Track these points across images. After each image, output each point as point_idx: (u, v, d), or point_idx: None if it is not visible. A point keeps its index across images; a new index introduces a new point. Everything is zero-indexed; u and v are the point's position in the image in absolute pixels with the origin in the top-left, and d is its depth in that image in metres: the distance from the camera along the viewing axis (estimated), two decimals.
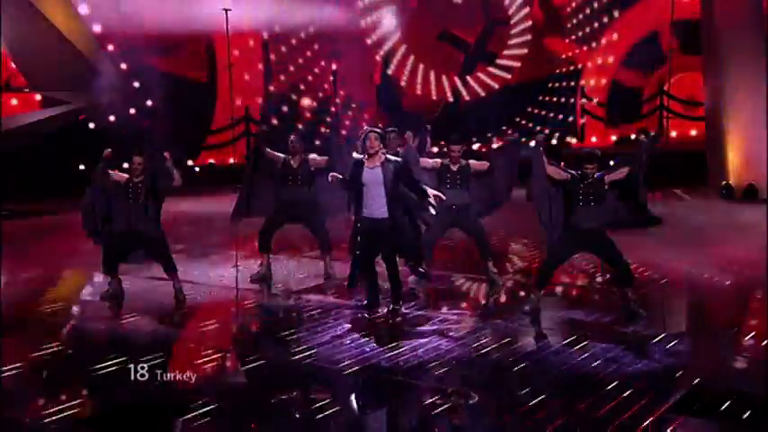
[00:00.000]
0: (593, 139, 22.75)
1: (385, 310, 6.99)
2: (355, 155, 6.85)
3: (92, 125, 18.08)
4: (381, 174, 6.63)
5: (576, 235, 6.68)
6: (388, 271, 7.01)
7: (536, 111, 24.02)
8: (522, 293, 7.79)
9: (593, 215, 6.59)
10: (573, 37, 24.08)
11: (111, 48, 18.22)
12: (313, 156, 8.44)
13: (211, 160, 20.66)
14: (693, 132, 21.67)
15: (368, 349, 5.92)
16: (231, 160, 20.50)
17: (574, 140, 22.62)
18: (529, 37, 24.63)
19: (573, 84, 23.57)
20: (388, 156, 6.77)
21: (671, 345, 5.95)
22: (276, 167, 8.41)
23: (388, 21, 24.03)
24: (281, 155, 8.44)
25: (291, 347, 6.00)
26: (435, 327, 6.55)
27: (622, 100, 22.75)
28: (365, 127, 7.08)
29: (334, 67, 22.72)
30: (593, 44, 23.54)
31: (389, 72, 24.64)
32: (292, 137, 8.49)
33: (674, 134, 21.76)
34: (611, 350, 5.85)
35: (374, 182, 6.65)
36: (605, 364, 5.51)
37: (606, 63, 23.31)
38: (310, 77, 23.18)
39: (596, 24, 23.56)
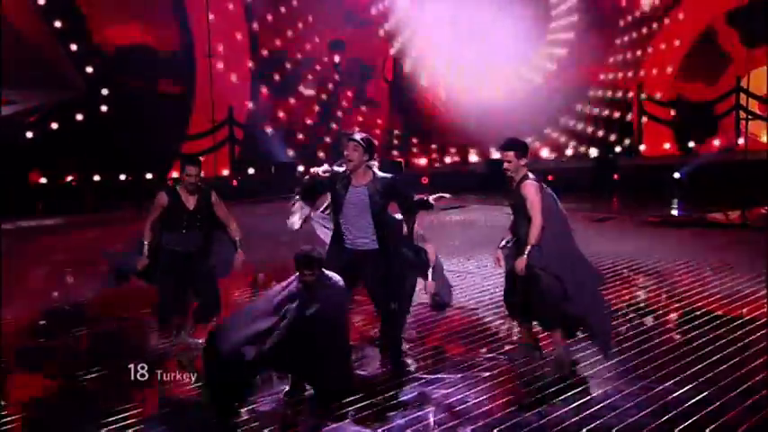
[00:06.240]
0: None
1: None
2: (335, 167, 5.94)
3: (30, 134, 16.82)
4: (367, 195, 5.67)
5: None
6: (386, 323, 6.04)
7: (586, 109, 22.39)
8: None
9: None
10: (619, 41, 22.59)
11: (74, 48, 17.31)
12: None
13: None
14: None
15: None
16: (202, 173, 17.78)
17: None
18: (571, 35, 22.11)
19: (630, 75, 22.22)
20: (377, 171, 5.79)
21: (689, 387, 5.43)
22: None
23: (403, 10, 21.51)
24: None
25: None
26: (453, 368, 6.00)
27: (692, 116, 21.49)
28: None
29: (336, 59, 20.38)
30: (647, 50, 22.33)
31: (404, 68, 21.92)
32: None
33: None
34: (631, 398, 5.24)
35: (358, 204, 5.71)
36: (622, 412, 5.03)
37: (664, 71, 21.98)
38: (310, 76, 20.81)
39: (645, 31, 22.41)
